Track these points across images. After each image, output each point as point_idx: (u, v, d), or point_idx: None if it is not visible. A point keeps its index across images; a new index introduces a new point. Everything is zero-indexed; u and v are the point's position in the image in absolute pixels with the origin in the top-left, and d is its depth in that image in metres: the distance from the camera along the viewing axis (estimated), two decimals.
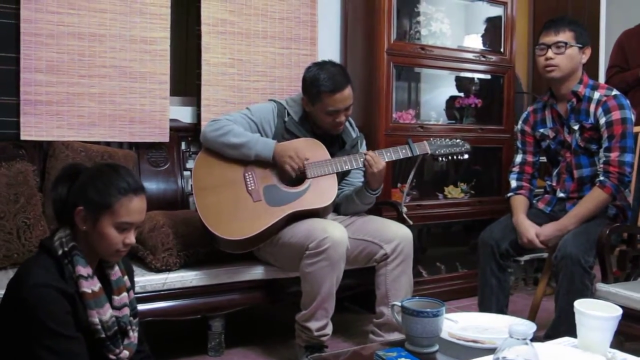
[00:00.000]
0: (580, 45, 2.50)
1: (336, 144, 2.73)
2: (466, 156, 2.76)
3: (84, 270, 1.58)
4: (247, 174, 2.55)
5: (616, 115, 2.43)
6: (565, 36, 2.48)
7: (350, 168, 2.60)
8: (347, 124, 2.77)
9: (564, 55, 2.48)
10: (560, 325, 2.25)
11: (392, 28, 3.30)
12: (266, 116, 2.65)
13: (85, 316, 1.58)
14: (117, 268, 1.71)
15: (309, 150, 2.57)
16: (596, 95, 2.49)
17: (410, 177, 2.81)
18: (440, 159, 2.73)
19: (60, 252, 1.58)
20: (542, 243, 2.45)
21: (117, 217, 1.59)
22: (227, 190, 2.53)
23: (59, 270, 1.56)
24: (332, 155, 2.63)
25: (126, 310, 1.69)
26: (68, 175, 1.66)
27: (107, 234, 1.59)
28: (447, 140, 2.73)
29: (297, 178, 2.56)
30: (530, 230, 2.47)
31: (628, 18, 3.86)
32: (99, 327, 1.59)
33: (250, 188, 2.53)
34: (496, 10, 3.81)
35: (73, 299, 1.54)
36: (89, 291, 1.58)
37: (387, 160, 2.61)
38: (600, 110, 2.46)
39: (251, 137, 2.55)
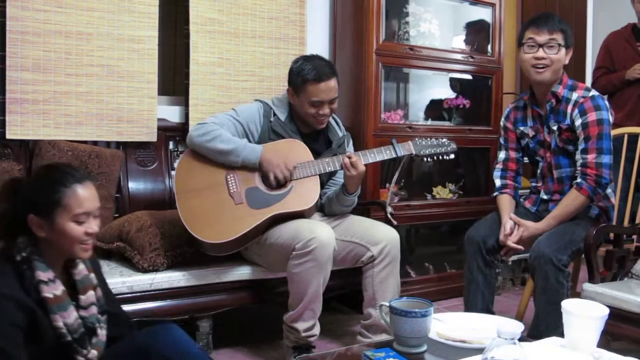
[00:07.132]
0: (566, 47, 2.47)
1: (323, 143, 2.71)
2: (452, 156, 2.70)
3: (43, 275, 1.54)
4: (229, 177, 2.53)
5: (592, 116, 2.40)
6: (558, 36, 2.43)
7: (333, 169, 2.56)
8: (333, 122, 2.76)
9: (556, 55, 2.44)
10: (540, 324, 2.26)
11: (380, 28, 3.31)
12: (252, 117, 2.64)
13: (49, 321, 1.53)
14: (82, 267, 1.67)
15: (292, 152, 2.55)
16: (574, 96, 2.46)
17: (395, 178, 2.79)
18: (425, 159, 2.67)
19: (18, 257, 1.54)
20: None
21: (70, 210, 1.56)
22: (209, 193, 2.50)
23: (17, 276, 1.52)
24: (319, 154, 2.61)
25: (94, 309, 1.65)
26: (7, 190, 1.61)
27: (67, 230, 1.56)
28: (433, 140, 2.67)
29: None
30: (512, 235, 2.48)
31: (615, 19, 3.88)
32: (64, 330, 1.55)
33: (232, 191, 2.51)
34: (485, 12, 3.83)
35: (31, 307, 1.50)
36: (51, 296, 1.53)
37: (370, 161, 2.58)
38: (576, 111, 2.44)
39: (238, 143, 2.52)
